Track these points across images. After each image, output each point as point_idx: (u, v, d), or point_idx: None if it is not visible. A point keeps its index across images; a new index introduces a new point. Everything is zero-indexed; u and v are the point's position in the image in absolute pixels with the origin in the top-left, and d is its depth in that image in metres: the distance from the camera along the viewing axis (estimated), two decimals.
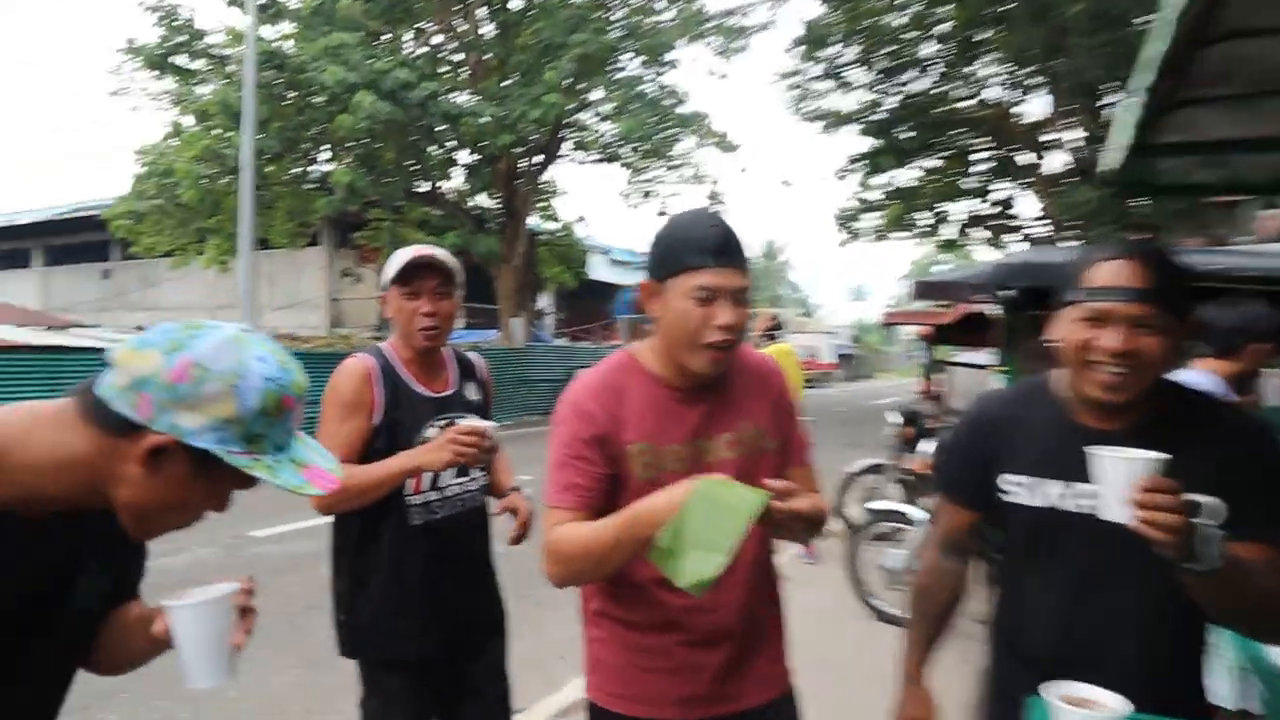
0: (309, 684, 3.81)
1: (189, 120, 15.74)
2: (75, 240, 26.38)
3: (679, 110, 17.51)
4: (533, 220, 19.07)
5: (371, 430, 1.84)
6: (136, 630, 1.05)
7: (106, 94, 15.53)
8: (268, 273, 21.01)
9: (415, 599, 1.88)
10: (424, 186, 17.73)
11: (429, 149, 16.66)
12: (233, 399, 0.90)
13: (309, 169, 17.35)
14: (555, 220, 20.23)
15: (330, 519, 1.94)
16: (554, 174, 20.54)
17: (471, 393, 2.01)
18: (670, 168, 19.15)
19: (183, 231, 16.92)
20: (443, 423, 1.88)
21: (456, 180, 18.22)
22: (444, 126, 15.36)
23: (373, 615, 1.89)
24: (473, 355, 2.09)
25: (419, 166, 16.81)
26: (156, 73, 15.55)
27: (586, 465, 1.35)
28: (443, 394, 1.94)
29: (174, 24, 15.05)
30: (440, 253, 1.92)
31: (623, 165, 19.23)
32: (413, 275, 1.89)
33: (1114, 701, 0.99)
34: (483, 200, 18.53)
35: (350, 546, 1.91)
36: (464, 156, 17.80)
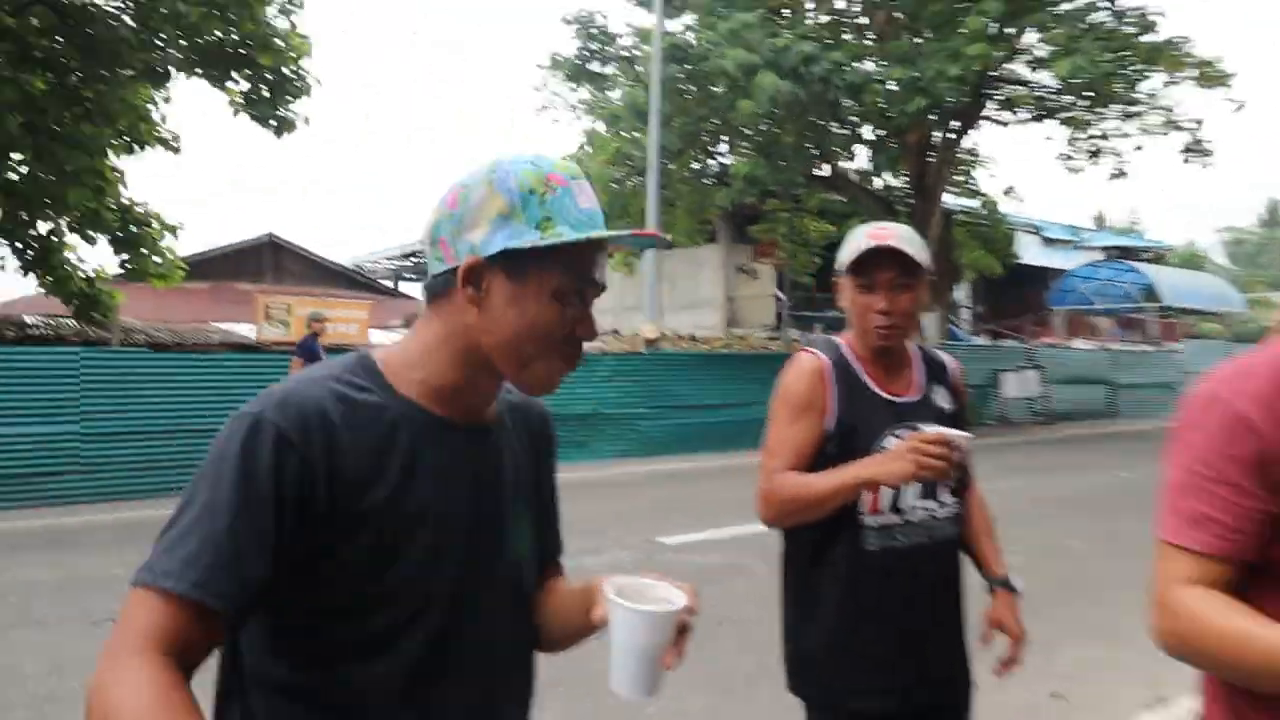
0: (725, 713, 3.76)
1: (601, 127, 17.62)
2: None
3: (1142, 40, 15.01)
4: (948, 198, 17.99)
5: (823, 435, 1.80)
6: (573, 605, 1.11)
7: (533, 111, 18.40)
8: (668, 273, 22.73)
9: (872, 639, 1.80)
10: (824, 171, 17.69)
11: (830, 127, 16.51)
12: (497, 194, 0.98)
13: (708, 163, 18.34)
14: (976, 196, 18.83)
15: (754, 533, 1.86)
16: (973, 141, 19.10)
17: (940, 399, 1.91)
18: (1129, 115, 16.59)
19: None
20: (903, 431, 1.78)
21: (859, 160, 17.89)
22: (848, 100, 15.10)
23: (821, 652, 1.83)
24: (945, 355, 1.99)
25: (819, 149, 16.78)
26: (573, 84, 17.69)
27: (1234, 495, 1.06)
28: (905, 398, 1.86)
29: (590, 33, 16.96)
30: (902, 234, 1.80)
31: (1062, 121, 17.19)
32: (867, 265, 1.79)
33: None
34: (889, 180, 17.95)
35: (799, 570, 1.88)
36: (868, 133, 17.40)
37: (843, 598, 1.80)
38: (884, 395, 1.85)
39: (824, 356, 1.85)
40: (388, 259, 36.82)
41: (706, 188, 19.04)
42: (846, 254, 1.82)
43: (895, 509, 1.80)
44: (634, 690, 0.95)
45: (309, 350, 9.67)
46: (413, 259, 35.43)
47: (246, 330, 12.42)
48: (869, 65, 15.42)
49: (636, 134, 16.45)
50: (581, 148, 18.71)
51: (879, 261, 1.78)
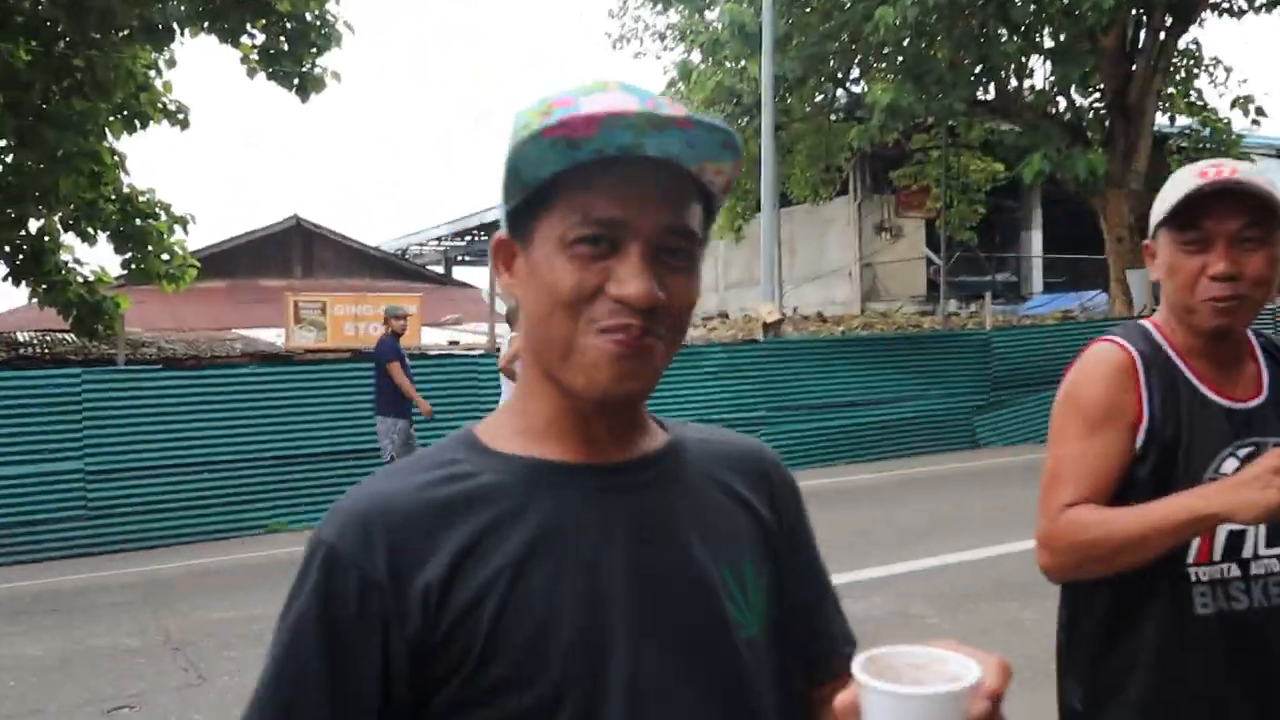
0: None
1: (697, 57, 17.47)
2: None
3: None
4: (1160, 119, 17.13)
5: (1132, 455, 1.71)
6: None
7: (609, 44, 18.38)
8: (786, 236, 22.43)
9: None
10: (989, 94, 17.14)
11: (998, 35, 15.93)
12: (510, 141, 0.98)
13: (836, 94, 17.98)
14: (1198, 114, 17.86)
15: (921, 570, 1.71)
16: (1192, 39, 18.15)
17: None
18: None
19: None
20: (1248, 450, 1.69)
21: (1037, 78, 17.22)
22: None
23: None
24: None
25: (983, 65, 16.21)
26: (660, 5, 17.58)
27: None
28: (1248, 403, 1.75)
29: None
30: (1246, 169, 1.67)
31: None
32: (1197, 212, 1.67)
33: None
34: (1078, 99, 17.24)
35: (1092, 636, 1.78)
36: (1048, 40, 16.74)
37: (1159, 682, 1.71)
38: (1219, 400, 1.75)
39: (1131, 347, 1.76)
40: (436, 240, 37.48)
41: (834, 125, 18.68)
42: (1165, 201, 1.72)
43: (1236, 557, 1.69)
44: None
45: (391, 351, 9.49)
46: (469, 238, 36.03)
47: (274, 336, 12.74)
48: None
49: (744, 62, 16.21)
50: (672, 85, 18.57)
51: (1216, 207, 1.66)
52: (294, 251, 24.83)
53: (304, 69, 12.40)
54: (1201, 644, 1.68)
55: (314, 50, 12.36)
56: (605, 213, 0.95)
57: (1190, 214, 1.68)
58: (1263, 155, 22.57)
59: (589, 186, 0.96)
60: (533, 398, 1.04)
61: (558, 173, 0.96)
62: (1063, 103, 17.39)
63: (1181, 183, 1.69)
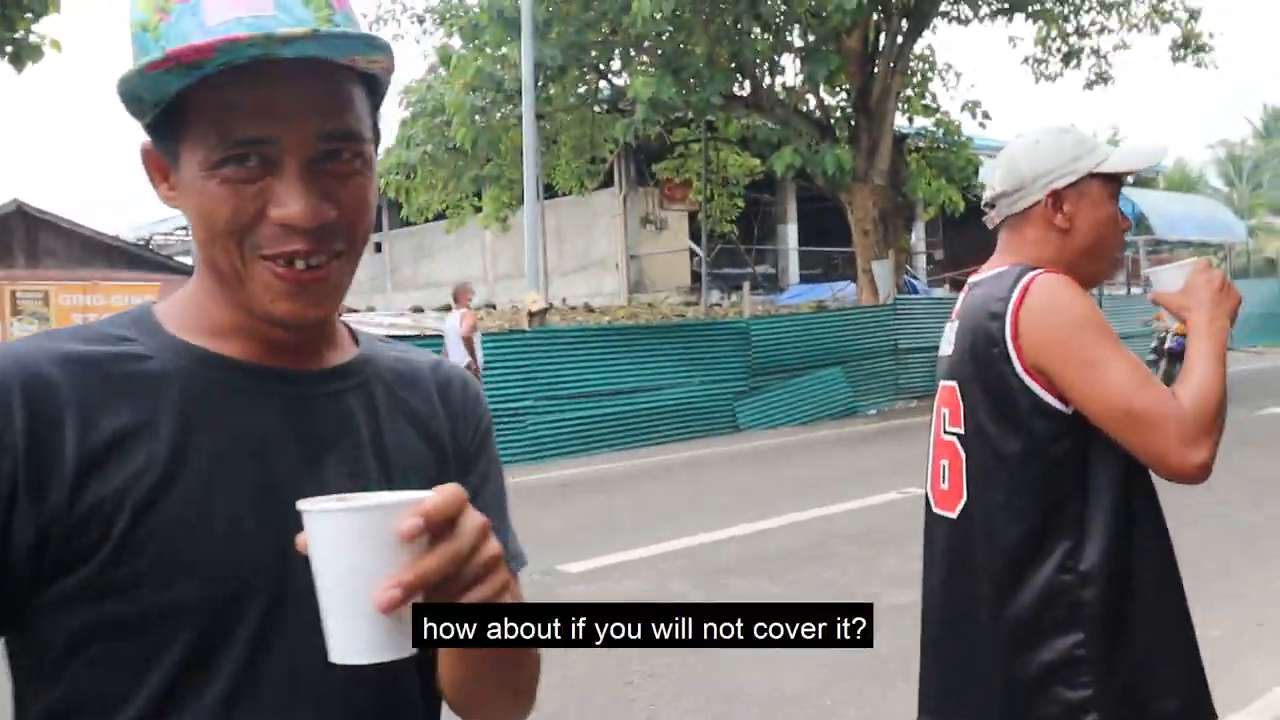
0: None
1: (458, 43, 17.14)
2: None
3: None
4: (899, 120, 18.24)
5: None
6: None
7: (365, 25, 17.74)
8: (553, 227, 22.47)
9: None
10: (744, 89, 17.69)
11: (750, 33, 16.48)
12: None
13: (599, 85, 18.09)
14: (932, 115, 19.14)
15: (681, 549, 1.69)
16: (926, 44, 19.46)
17: None
18: (1107, 4, 17.15)
19: (456, 184, 18.60)
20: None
21: (788, 75, 17.96)
22: None
23: (1149, 689, 1.71)
24: None
25: (737, 61, 16.75)
26: None
27: None
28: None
29: None
30: None
31: (1031, 15, 17.62)
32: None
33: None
34: (826, 97, 18.10)
35: (1100, 552, 1.70)
36: (797, 39, 17.46)
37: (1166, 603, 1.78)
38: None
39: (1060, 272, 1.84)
40: (185, 229, 35.18)
41: (597, 116, 18.80)
42: (1136, 154, 1.95)
43: None
44: (348, 645, 0.80)
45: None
46: None
47: None
48: None
49: (504, 49, 16.03)
50: (433, 70, 18.17)
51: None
52: (15, 239, 22.54)
53: (17, 36, 11.26)
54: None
55: (28, 16, 11.25)
56: (247, 130, 0.87)
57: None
58: (989, 156, 24.44)
59: (224, 102, 0.87)
60: (215, 299, 0.97)
61: (182, 90, 0.87)
62: (812, 100, 18.15)
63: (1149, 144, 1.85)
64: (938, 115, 19.38)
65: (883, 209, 17.57)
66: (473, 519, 0.80)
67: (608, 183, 22.86)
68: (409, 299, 26.08)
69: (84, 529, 0.87)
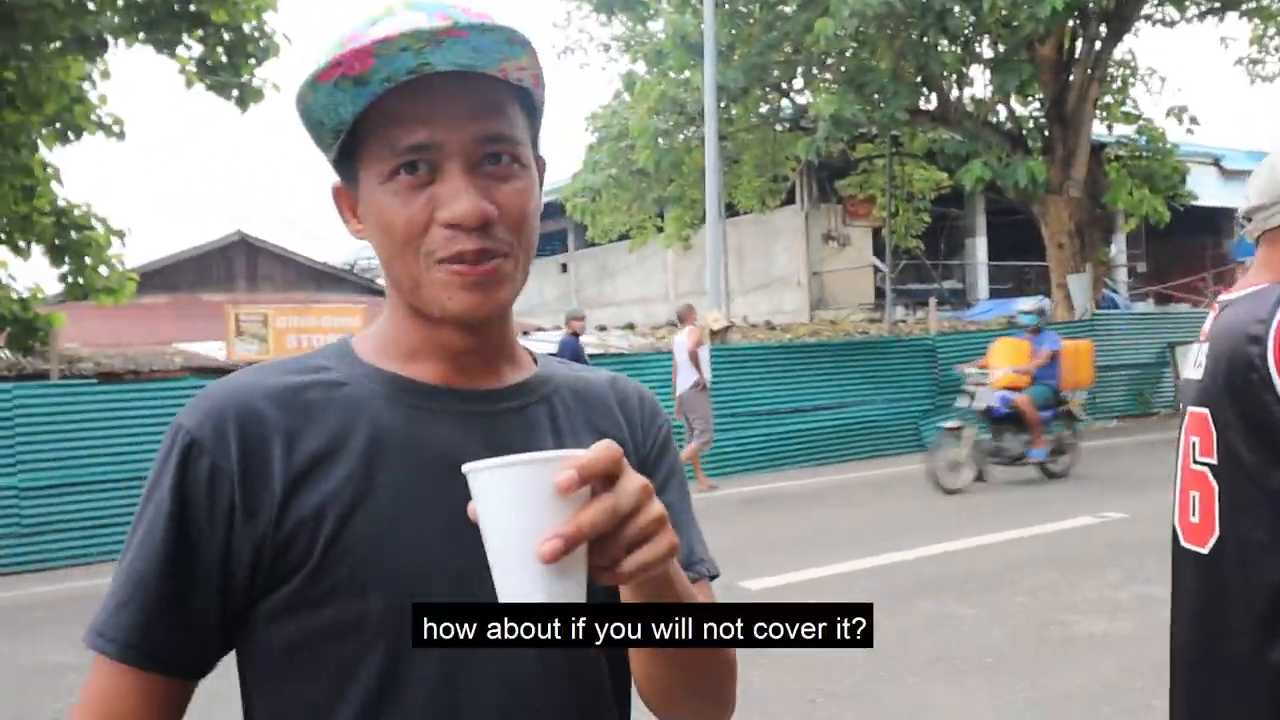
0: None
1: (642, 68, 17.51)
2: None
3: None
4: (1096, 128, 17.43)
5: None
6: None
7: (554, 55, 18.42)
8: (734, 245, 22.53)
9: None
10: (930, 103, 17.33)
11: (937, 45, 16.13)
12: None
13: (780, 104, 18.09)
14: (1133, 123, 18.19)
15: (868, 568, 1.65)
16: (1127, 49, 18.51)
17: None
18: None
19: (639, 205, 18.95)
20: None
21: (976, 86, 17.49)
22: (959, 6, 14.70)
23: None
24: None
25: (923, 75, 16.41)
26: (604, 15, 17.61)
27: None
28: None
29: None
30: None
31: (1243, 14, 16.50)
32: None
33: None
34: (1017, 107, 17.51)
35: None
36: (987, 49, 16.98)
37: None
38: None
39: None
40: None
41: (779, 135, 18.79)
42: None
43: None
44: (515, 586, 0.82)
45: (574, 348, 10.84)
46: None
47: (215, 349, 12.55)
48: None
49: (687, 73, 16.27)
50: (617, 96, 18.59)
51: None
52: (238, 266, 24.50)
53: (242, 80, 12.27)
54: None
55: (252, 61, 12.24)
56: (411, 138, 0.95)
57: None
58: (1197, 164, 23.03)
59: (392, 118, 0.96)
60: (401, 321, 1.04)
61: (358, 114, 0.96)
62: (1002, 111, 17.62)
63: None
64: (1140, 122, 18.39)
65: (1079, 221, 16.85)
66: (633, 480, 0.82)
67: (789, 200, 22.76)
68: (593, 317, 26.65)
69: (290, 545, 0.94)
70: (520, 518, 0.80)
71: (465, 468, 0.83)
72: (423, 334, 1.03)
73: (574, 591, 0.81)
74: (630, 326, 19.38)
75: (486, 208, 0.95)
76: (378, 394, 1.01)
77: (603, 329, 18.05)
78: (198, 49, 12.09)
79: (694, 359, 10.83)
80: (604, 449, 0.82)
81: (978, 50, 17.07)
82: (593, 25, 18.30)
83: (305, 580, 0.95)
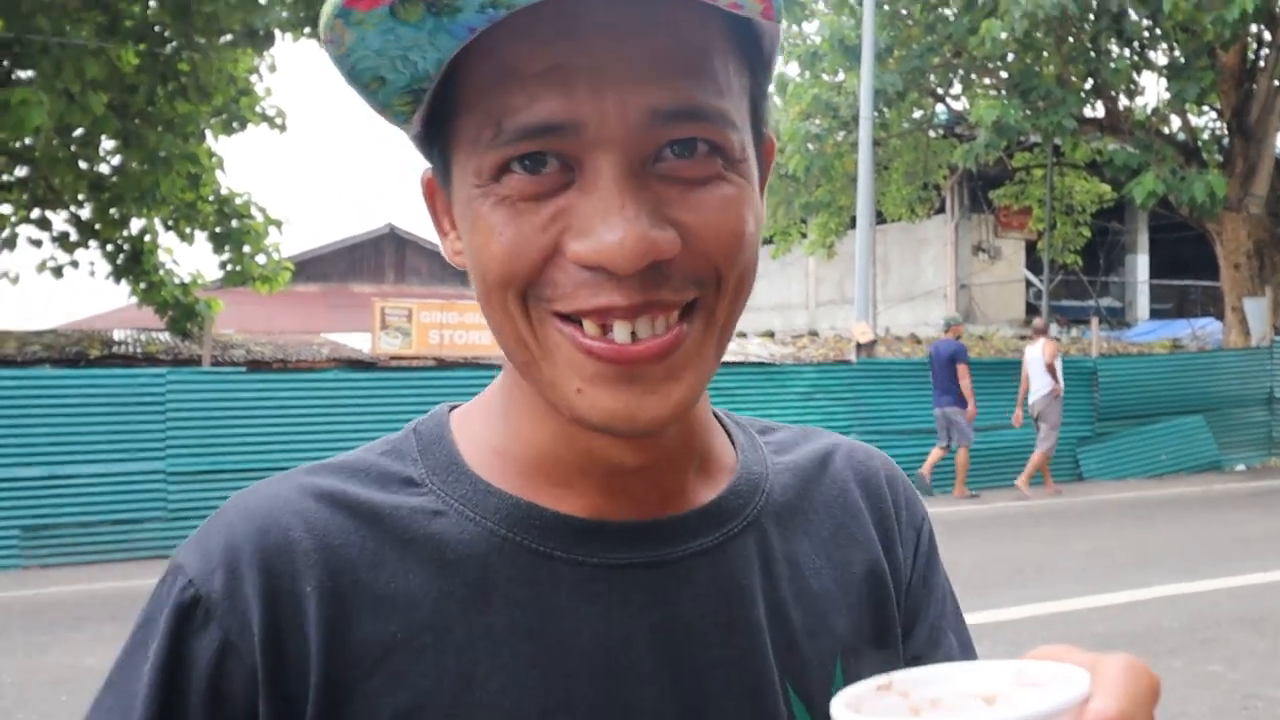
0: None
1: (794, 70, 17.08)
2: None
3: None
4: None
5: None
6: None
7: None
8: (880, 255, 21.76)
9: None
10: (1097, 111, 16.35)
11: (1109, 50, 15.19)
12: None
13: (935, 109, 17.40)
14: None
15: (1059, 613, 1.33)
16: None
17: None
18: None
19: (786, 210, 18.49)
20: None
21: (1150, 94, 16.44)
22: (1136, 11, 13.78)
23: None
24: None
25: (1094, 82, 15.47)
26: None
27: None
28: None
29: None
30: None
31: None
32: None
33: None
34: (1193, 119, 16.35)
35: None
36: (1162, 57, 15.92)
37: None
38: None
39: None
40: None
41: (932, 142, 18.09)
42: None
43: None
44: None
45: (965, 352, 11.15)
46: None
47: (361, 341, 12.60)
48: None
49: (842, 75, 15.78)
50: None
51: None
52: (387, 258, 25.01)
53: None
54: None
55: None
56: (533, 110, 0.55)
57: None
58: None
59: (502, 67, 0.55)
60: (520, 408, 0.66)
61: (446, 61, 0.56)
62: (1176, 122, 16.51)
63: None
64: None
65: (1258, 240, 15.62)
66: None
67: (939, 209, 21.89)
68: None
69: None
70: None
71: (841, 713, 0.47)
72: (552, 431, 0.64)
73: None
74: (770, 334, 18.86)
75: (659, 241, 0.55)
76: (493, 535, 0.63)
77: (742, 335, 17.57)
78: None
79: (1051, 370, 11.29)
80: (1130, 672, 0.46)
81: (1152, 57, 16.04)
82: None
83: None
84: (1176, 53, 15.65)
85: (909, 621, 0.75)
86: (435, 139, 0.62)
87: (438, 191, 0.66)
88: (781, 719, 0.66)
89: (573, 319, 0.57)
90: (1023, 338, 19.87)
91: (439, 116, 0.60)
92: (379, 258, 24.92)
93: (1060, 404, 11.47)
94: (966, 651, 0.77)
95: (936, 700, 0.49)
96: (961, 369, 10.97)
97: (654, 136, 0.55)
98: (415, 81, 0.57)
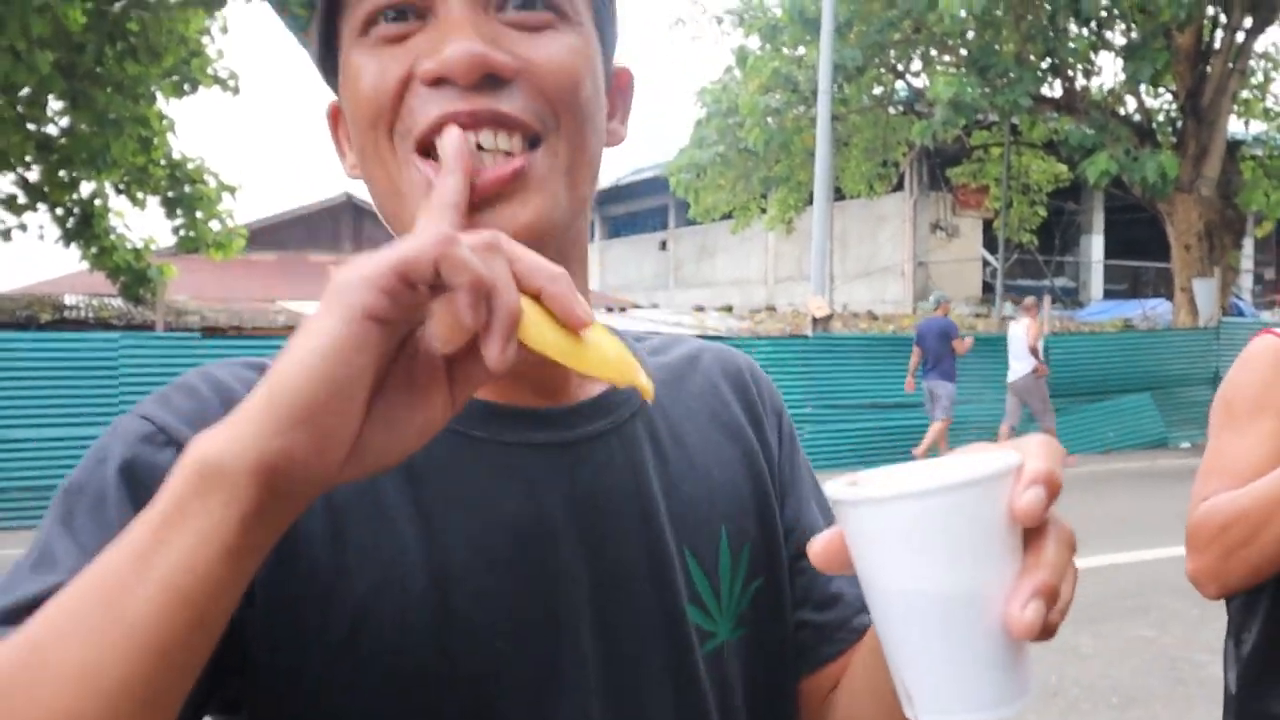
0: None
1: (755, 43, 17.07)
2: (635, 208, 31.26)
3: None
4: (1234, 123, 16.45)
5: None
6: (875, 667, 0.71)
7: (666, 27, 18.22)
8: (838, 231, 21.93)
9: None
10: (1055, 90, 16.53)
11: (1066, 29, 15.36)
12: None
13: (895, 85, 17.49)
14: (1274, 118, 17.13)
15: None
16: (1271, 41, 17.45)
17: None
18: None
19: (745, 185, 18.53)
20: None
21: (1107, 74, 16.67)
22: None
23: None
24: None
25: (1051, 60, 15.63)
26: None
27: None
28: None
29: None
30: None
31: None
32: None
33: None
34: (1147, 99, 16.59)
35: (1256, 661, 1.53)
36: (1118, 36, 16.11)
37: None
38: None
39: None
40: None
41: (892, 118, 18.18)
42: None
43: None
44: (972, 689, 0.53)
45: (941, 334, 11.39)
46: None
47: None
48: None
49: (802, 49, 15.81)
50: (728, 71, 18.18)
51: None
52: (344, 228, 24.81)
53: None
54: None
55: None
56: None
57: None
58: None
59: None
60: None
61: None
62: (1131, 103, 16.75)
63: None
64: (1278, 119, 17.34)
65: (1209, 222, 15.91)
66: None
67: (898, 186, 22.05)
68: (689, 297, 26.33)
69: (300, 606, 0.65)
70: (961, 573, 0.52)
71: (842, 496, 0.55)
72: None
73: (1023, 684, 0.55)
74: (728, 308, 18.99)
75: (496, 55, 0.63)
76: None
77: (700, 309, 17.70)
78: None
79: (1034, 351, 11.60)
80: (1048, 444, 0.55)
81: (1108, 38, 16.23)
82: None
83: (330, 657, 0.65)
84: (1133, 33, 15.85)
85: (781, 493, 0.83)
86: (328, 50, 0.70)
87: (341, 118, 0.73)
88: (679, 578, 0.73)
89: (430, 155, 0.64)
90: (977, 315, 20.18)
91: (330, 22, 0.69)
92: (336, 227, 24.72)
93: (1045, 383, 11.83)
94: (828, 516, 0.85)
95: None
96: (958, 342, 11.50)
97: None
98: None
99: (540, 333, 0.51)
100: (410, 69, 0.64)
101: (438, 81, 0.63)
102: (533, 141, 0.65)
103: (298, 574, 0.65)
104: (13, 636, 0.50)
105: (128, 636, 0.48)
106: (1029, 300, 12.46)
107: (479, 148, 0.63)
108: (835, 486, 0.57)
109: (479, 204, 0.63)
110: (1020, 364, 11.66)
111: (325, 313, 0.49)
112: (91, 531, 0.61)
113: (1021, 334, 11.78)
